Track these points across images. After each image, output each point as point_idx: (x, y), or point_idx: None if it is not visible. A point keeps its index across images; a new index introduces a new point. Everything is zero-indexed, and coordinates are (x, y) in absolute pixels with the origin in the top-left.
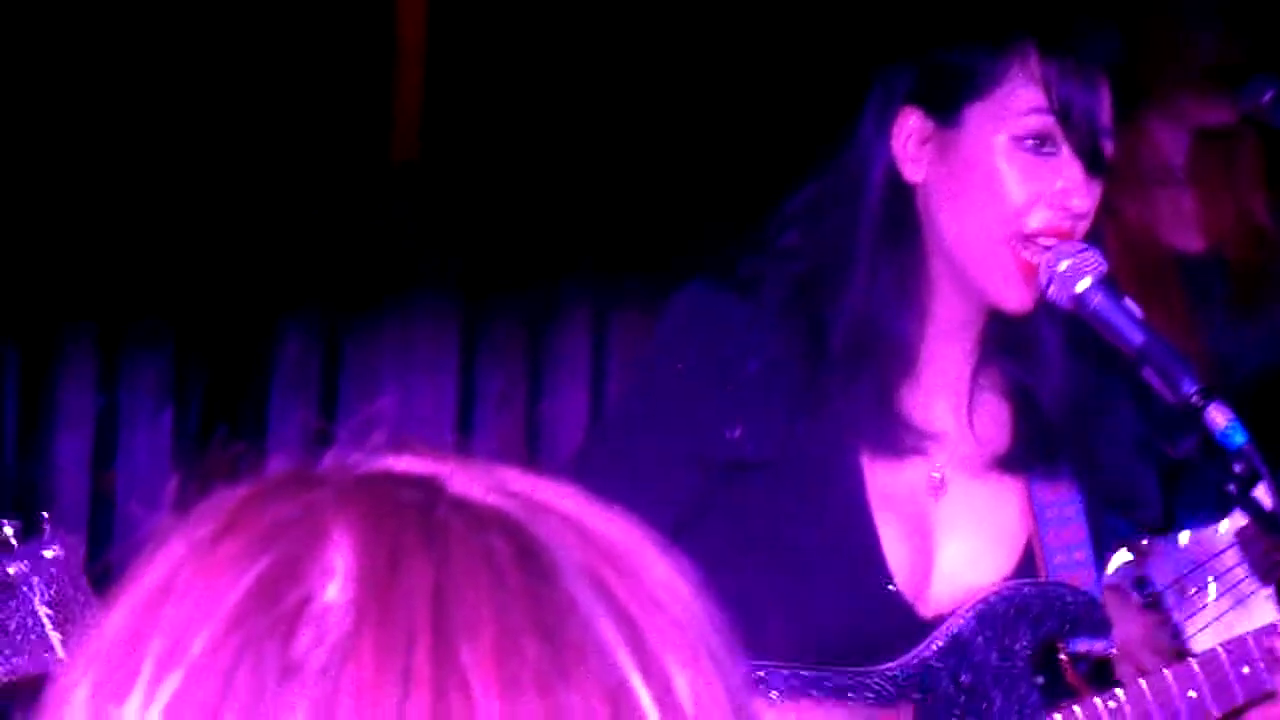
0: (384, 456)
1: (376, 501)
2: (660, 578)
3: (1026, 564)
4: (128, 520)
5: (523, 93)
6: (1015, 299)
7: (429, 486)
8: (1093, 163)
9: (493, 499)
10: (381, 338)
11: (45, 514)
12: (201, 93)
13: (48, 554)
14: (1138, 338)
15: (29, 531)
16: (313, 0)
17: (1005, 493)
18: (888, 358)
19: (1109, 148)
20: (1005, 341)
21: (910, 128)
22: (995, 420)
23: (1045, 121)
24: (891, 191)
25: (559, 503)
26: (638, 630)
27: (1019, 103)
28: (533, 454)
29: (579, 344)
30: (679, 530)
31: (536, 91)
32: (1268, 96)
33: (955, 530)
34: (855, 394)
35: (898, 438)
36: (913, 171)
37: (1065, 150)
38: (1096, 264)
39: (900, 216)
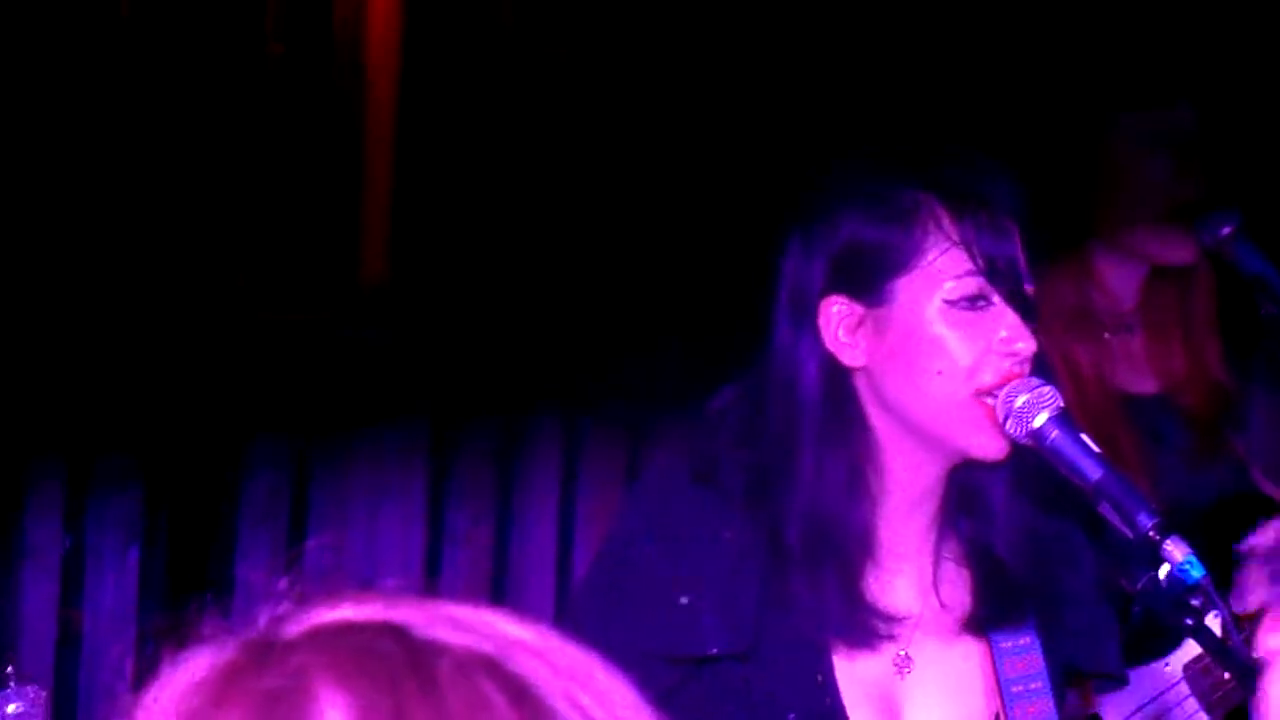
0: (331, 604)
1: (359, 657)
2: (626, 698)
3: None
4: (94, 662)
5: (491, 223)
6: (992, 447)
7: (399, 633)
8: (1024, 309)
9: (464, 639)
10: (350, 469)
11: (10, 667)
12: (170, 221)
13: (11, 709)
14: (1095, 472)
15: None
16: (281, 128)
17: (971, 667)
18: (847, 549)
19: (1031, 291)
20: (961, 505)
21: (837, 317)
22: (958, 587)
23: (975, 282)
24: (829, 384)
25: (522, 636)
26: None
27: (946, 269)
28: (500, 586)
29: (548, 476)
30: None
31: (505, 221)
32: (1226, 230)
33: (922, 707)
34: (820, 587)
35: (865, 627)
36: (852, 358)
37: (996, 299)
38: (1054, 399)
39: (841, 406)
